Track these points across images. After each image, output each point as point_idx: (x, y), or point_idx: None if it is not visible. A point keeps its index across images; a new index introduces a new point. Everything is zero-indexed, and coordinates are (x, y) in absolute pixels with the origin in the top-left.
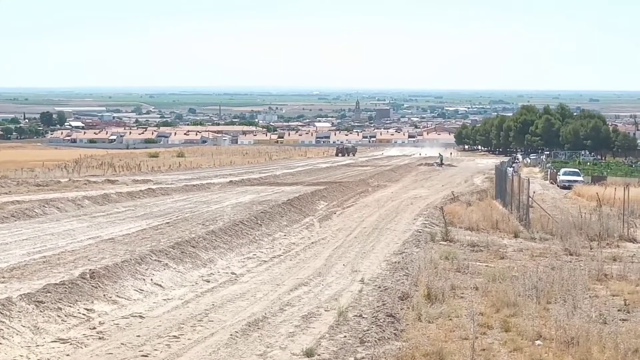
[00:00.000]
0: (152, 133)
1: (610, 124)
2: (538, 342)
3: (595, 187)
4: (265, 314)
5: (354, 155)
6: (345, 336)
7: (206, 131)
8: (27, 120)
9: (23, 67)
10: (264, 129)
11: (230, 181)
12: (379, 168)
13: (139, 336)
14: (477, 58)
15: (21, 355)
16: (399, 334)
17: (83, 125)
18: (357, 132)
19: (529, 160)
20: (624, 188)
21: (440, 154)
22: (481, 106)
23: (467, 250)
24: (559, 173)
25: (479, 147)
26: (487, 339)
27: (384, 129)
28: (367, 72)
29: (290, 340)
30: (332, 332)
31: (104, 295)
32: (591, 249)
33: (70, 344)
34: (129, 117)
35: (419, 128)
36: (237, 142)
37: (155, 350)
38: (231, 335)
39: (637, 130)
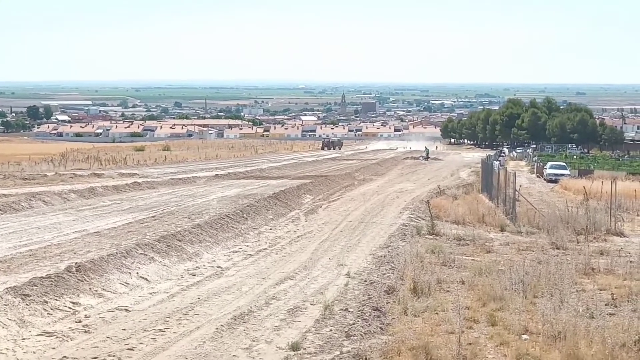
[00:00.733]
0: (138, 127)
1: (597, 117)
2: (525, 336)
3: (582, 181)
4: (251, 307)
5: (339, 149)
6: (331, 330)
7: (192, 125)
8: (13, 114)
9: (10, 61)
10: (250, 123)
11: (216, 175)
12: (365, 162)
13: (124, 329)
14: (463, 52)
15: (7, 349)
16: (385, 328)
17: (69, 119)
18: (343, 125)
19: (515, 154)
20: (611, 182)
21: (426, 148)
22: (467, 100)
23: (453, 244)
24: (545, 167)
25: (465, 140)
26: (473, 333)
27: (370, 122)
28: (353, 65)
29: (276, 334)
30: (317, 326)
31: (90, 288)
32: (578, 242)
33: (56, 337)
34: (115, 111)
35: (405, 122)
36: (223, 136)
37: (141, 343)
38: (217, 328)
39: (624, 123)
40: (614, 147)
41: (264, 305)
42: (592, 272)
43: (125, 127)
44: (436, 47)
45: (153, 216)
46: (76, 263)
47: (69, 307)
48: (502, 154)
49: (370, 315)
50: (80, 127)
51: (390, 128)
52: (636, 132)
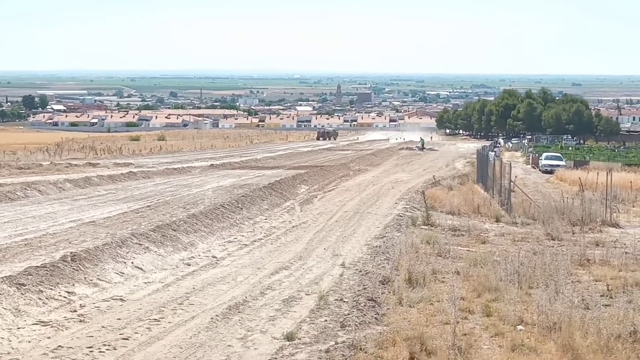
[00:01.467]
0: (134, 116)
1: (592, 108)
2: (520, 327)
3: (578, 172)
4: (246, 297)
5: (335, 139)
6: (326, 320)
7: (187, 115)
8: (9, 104)
9: (5, 51)
10: (245, 113)
11: (212, 165)
12: (360, 152)
13: (119, 319)
14: (459, 42)
15: (2, 338)
16: (380, 318)
17: (65, 108)
18: (338, 116)
19: (510, 145)
20: (607, 173)
21: (421, 138)
22: (463, 90)
23: (448, 234)
24: (541, 157)
25: (461, 131)
26: (468, 323)
27: (365, 113)
28: (349, 56)
29: (271, 324)
30: (312, 316)
31: (85, 278)
32: (573, 233)
33: (52, 327)
34: (111, 101)
35: (401, 112)
36: (218, 126)
37: (136, 333)
38: (212, 318)
39: (620, 114)
40: (610, 138)
41: (259, 295)
42: (587, 263)
43: (121, 117)
44: (432, 37)
45: (148, 206)
46: (71, 252)
47: (64, 297)
48: (498, 145)
49: (365, 305)
50: (76, 116)
51: (385, 118)
52: (632, 123)
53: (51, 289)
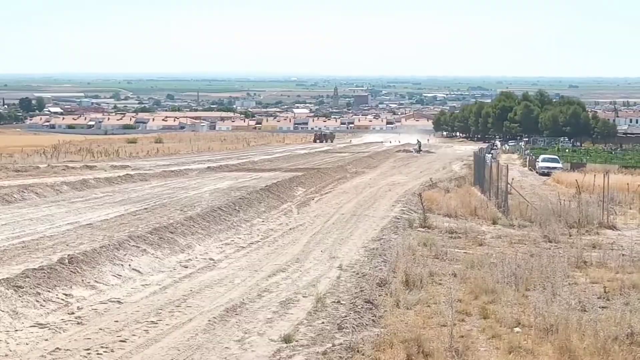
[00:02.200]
0: (131, 119)
1: (589, 110)
2: (517, 329)
3: (575, 174)
4: (243, 300)
5: (332, 142)
6: (323, 322)
7: (184, 117)
8: (6, 106)
9: (2, 54)
10: (242, 115)
11: (209, 167)
12: (357, 154)
13: (117, 321)
14: (456, 44)
15: (0, 340)
16: (377, 321)
17: (62, 111)
18: (335, 118)
19: (507, 147)
20: (604, 175)
21: (418, 141)
22: (460, 92)
23: (445, 236)
24: (537, 160)
25: (458, 133)
26: (465, 325)
27: (362, 115)
28: (346, 58)
29: (269, 326)
30: (310, 319)
31: (82, 280)
32: (570, 236)
33: (49, 329)
34: (108, 103)
35: (397, 114)
36: (215, 128)
37: (134, 335)
38: (209, 321)
39: (617, 116)
40: (607, 140)
41: (256, 297)
42: (584, 265)
43: (118, 120)
44: (429, 40)
45: (145, 208)
46: (69, 255)
47: (62, 299)
48: (495, 147)
49: (362, 307)
50: (73, 119)
51: (382, 121)
52: (629, 125)
53: (49, 291)
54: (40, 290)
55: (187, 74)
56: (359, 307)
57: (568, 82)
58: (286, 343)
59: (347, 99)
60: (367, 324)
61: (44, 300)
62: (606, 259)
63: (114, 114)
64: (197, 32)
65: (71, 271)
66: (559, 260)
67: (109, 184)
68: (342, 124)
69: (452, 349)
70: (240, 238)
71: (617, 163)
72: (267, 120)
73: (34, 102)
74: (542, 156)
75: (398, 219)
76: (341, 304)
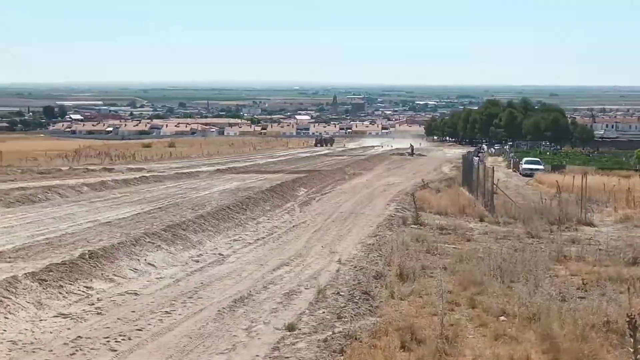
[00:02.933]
0: (146, 125)
1: (569, 116)
2: (502, 318)
3: (555, 175)
4: (250, 291)
5: (331, 146)
6: (324, 312)
7: (195, 123)
8: (31, 114)
9: (27, 65)
10: (249, 122)
11: (218, 169)
12: (355, 157)
13: (133, 312)
14: (446, 56)
15: (26, 329)
16: (374, 310)
17: (82, 117)
18: (334, 124)
19: (493, 150)
20: (582, 176)
21: (411, 145)
22: (449, 100)
23: (436, 233)
24: (521, 162)
25: (447, 138)
26: (455, 315)
27: (359, 121)
28: (344, 69)
29: (273, 316)
30: (311, 309)
31: (102, 274)
32: (551, 232)
33: (71, 319)
34: (124, 111)
35: (392, 120)
36: (223, 134)
37: (149, 324)
38: (219, 311)
39: (594, 122)
40: (585, 144)
41: (262, 289)
42: (564, 259)
43: (134, 126)
44: (421, 52)
45: (159, 207)
46: (89, 250)
47: (83, 291)
48: (481, 151)
49: (360, 298)
50: (92, 125)
51: (378, 126)
52: (605, 130)
53: (71, 284)
54: (63, 283)
55: (198, 84)
56: (356, 298)
57: (549, 91)
58: (290, 331)
59: (346, 106)
60: (364, 314)
61: (67, 293)
62: (584, 254)
63: (130, 120)
64: (207, 46)
65: (91, 265)
66: (540, 254)
67: (126, 185)
68: (341, 129)
69: (443, 336)
70: (247, 235)
71: (594, 165)
72: (271, 126)
73: (56, 109)
74: (525, 159)
75: (393, 216)
76: (340, 295)
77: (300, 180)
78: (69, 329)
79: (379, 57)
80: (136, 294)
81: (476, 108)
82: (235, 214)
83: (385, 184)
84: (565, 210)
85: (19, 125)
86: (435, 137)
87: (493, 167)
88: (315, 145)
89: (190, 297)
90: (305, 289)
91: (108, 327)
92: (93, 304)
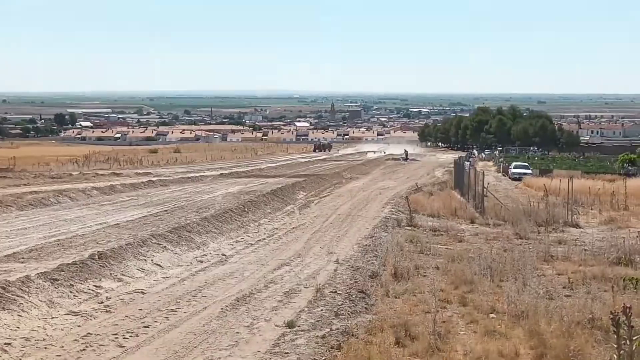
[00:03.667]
0: (152, 132)
1: (556, 123)
2: (492, 315)
3: (543, 179)
4: (252, 290)
5: (329, 151)
6: (322, 310)
7: (199, 130)
8: (42, 121)
9: (39, 74)
10: (251, 128)
11: (221, 174)
12: (352, 162)
13: (141, 309)
14: (439, 65)
15: (38, 327)
16: (370, 308)
17: (92, 125)
18: (332, 130)
19: (483, 155)
20: (568, 180)
21: (405, 150)
22: (442, 107)
23: (429, 234)
24: (510, 166)
25: (440, 143)
26: (447, 312)
27: (356, 128)
28: (342, 77)
29: (274, 314)
30: (310, 307)
31: (111, 273)
32: (539, 233)
33: (81, 317)
34: (132, 118)
35: (387, 127)
36: (226, 140)
37: (156, 322)
38: (222, 309)
39: (580, 128)
40: (571, 149)
41: (263, 288)
42: (551, 259)
43: (141, 132)
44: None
45: (165, 210)
46: (98, 251)
47: (92, 290)
48: (472, 156)
49: (356, 297)
50: (102, 132)
51: (374, 133)
52: (590, 136)
53: (81, 283)
54: (74, 282)
55: (202, 92)
56: (353, 296)
57: (537, 99)
58: (289, 328)
59: (343, 114)
60: (360, 311)
61: (77, 291)
62: (570, 254)
63: (137, 127)
64: (211, 56)
65: (100, 265)
66: (529, 254)
67: (133, 189)
68: (338, 135)
69: (435, 333)
70: (249, 236)
71: (580, 169)
72: (272, 133)
73: (67, 117)
74: (514, 163)
75: (387, 219)
76: (338, 293)
77: (299, 184)
78: (79, 326)
79: (375, 66)
80: (143, 292)
81: (467, 115)
82: (238, 216)
83: (381, 188)
84: (552, 213)
85: (32, 132)
86: (429, 143)
87: (483, 172)
88: (314, 150)
89: (194, 296)
90: (305, 287)
91: (116, 325)
92: (102, 303)
